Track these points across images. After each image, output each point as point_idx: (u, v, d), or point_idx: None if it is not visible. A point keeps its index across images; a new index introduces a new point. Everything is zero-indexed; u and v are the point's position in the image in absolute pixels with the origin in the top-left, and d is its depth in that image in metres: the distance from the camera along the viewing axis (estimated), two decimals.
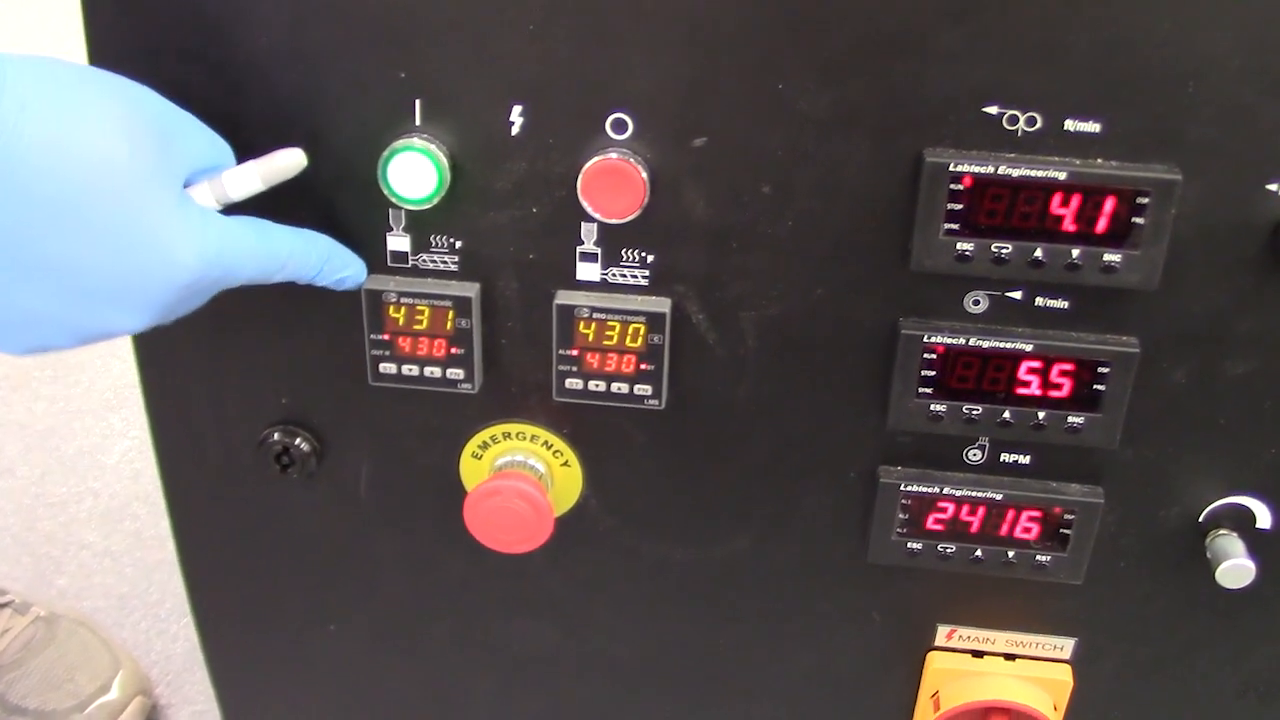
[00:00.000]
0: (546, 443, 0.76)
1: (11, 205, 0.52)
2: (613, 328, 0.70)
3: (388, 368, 0.72)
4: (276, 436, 0.77)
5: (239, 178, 0.63)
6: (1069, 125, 0.64)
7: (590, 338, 0.71)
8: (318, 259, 0.66)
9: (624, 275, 0.70)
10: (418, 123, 0.67)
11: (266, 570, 0.83)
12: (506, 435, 0.76)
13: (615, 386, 0.72)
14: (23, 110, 0.51)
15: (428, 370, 0.72)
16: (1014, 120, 0.64)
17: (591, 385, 0.72)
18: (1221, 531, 0.74)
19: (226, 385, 0.76)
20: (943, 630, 0.81)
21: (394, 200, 0.67)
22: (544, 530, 0.73)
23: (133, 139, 0.55)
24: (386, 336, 0.71)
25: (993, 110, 0.64)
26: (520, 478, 0.74)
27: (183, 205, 0.58)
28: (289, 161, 0.64)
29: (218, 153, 0.62)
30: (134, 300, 0.57)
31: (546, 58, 0.64)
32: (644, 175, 0.66)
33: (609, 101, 0.65)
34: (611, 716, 0.88)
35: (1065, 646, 0.81)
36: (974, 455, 0.74)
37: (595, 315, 0.70)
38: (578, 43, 0.63)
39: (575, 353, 0.71)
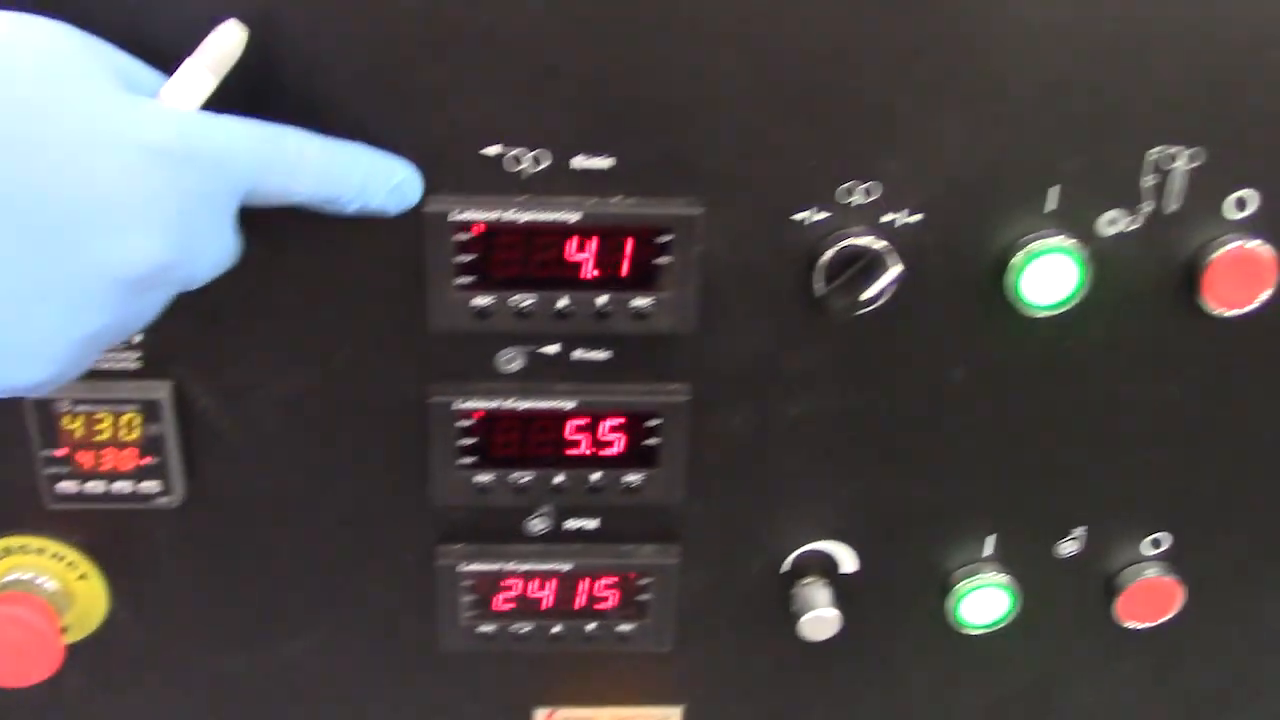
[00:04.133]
0: (57, 554, 0.66)
1: None
2: (103, 420, 0.61)
3: None
4: None
5: (184, 82, 0.50)
6: (578, 162, 0.58)
7: (78, 433, 0.61)
8: (351, 162, 0.54)
9: (112, 359, 0.61)
10: None
11: None
12: (8, 550, 0.66)
13: (117, 486, 0.63)
14: None
15: None
16: (518, 160, 0.58)
17: (89, 487, 0.63)
18: (806, 580, 0.69)
19: None
20: (540, 713, 0.75)
21: None
22: (49, 657, 0.63)
23: (48, 45, 0.46)
24: None
25: (494, 150, 0.58)
26: (17, 600, 0.63)
27: (133, 97, 0.47)
28: (231, 40, 0.51)
29: (146, 72, 0.51)
30: (120, 210, 0.45)
31: None
32: None
33: None
34: None
35: (673, 715, 0.75)
36: (537, 525, 0.68)
37: (80, 407, 0.61)
38: None
39: (64, 452, 0.62)
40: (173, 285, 0.50)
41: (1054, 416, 0.66)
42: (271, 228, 0.56)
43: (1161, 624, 0.72)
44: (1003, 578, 0.69)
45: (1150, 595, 0.71)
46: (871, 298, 0.59)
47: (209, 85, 0.51)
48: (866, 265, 0.59)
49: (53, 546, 0.66)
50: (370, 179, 0.55)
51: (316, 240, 0.59)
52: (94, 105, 0.45)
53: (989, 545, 0.70)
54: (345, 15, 0.54)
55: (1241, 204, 0.61)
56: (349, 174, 0.54)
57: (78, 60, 0.47)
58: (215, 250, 0.50)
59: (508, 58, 0.56)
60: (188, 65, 0.51)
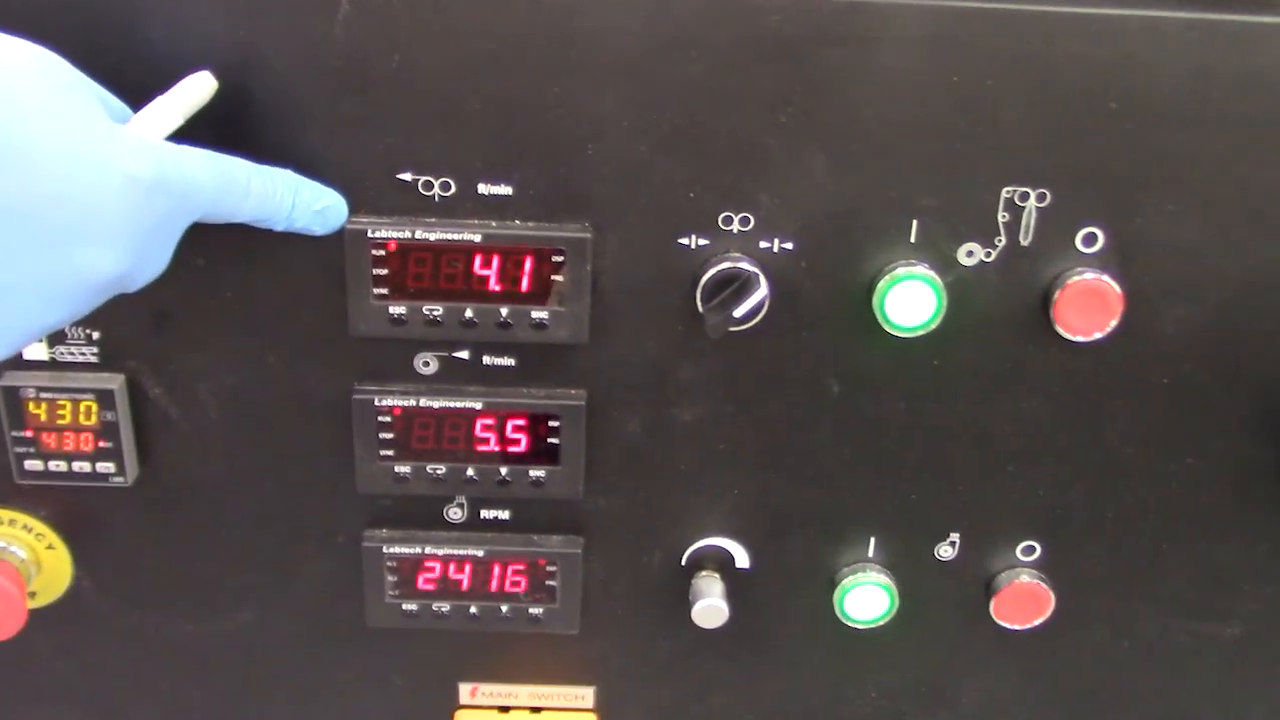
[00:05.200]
0: (26, 526, 0.74)
1: None
2: (64, 406, 0.69)
3: None
4: None
5: (155, 116, 0.58)
6: (482, 189, 0.65)
7: (43, 418, 0.69)
8: (285, 188, 0.62)
9: (73, 353, 0.69)
10: None
11: None
12: None
13: (77, 465, 0.71)
14: None
15: None
16: (429, 186, 0.65)
17: (53, 465, 0.71)
18: (704, 573, 0.76)
19: None
20: (465, 688, 0.81)
21: None
22: (15, 618, 0.71)
23: (46, 73, 0.52)
24: None
25: (407, 176, 0.65)
26: None
27: (117, 127, 0.54)
28: (202, 88, 0.60)
29: (118, 102, 0.59)
30: (100, 226, 0.52)
31: None
32: None
33: None
34: None
35: (586, 696, 0.82)
36: (454, 513, 0.75)
37: (43, 395, 0.69)
38: None
39: (30, 434, 0.70)
40: (117, 289, 0.57)
41: (925, 429, 0.72)
42: (215, 242, 0.64)
43: (1036, 626, 0.77)
44: (884, 577, 0.75)
45: (1023, 599, 0.76)
46: (742, 316, 0.66)
47: (175, 123, 0.59)
48: (740, 287, 0.66)
49: (23, 519, 0.74)
50: (299, 203, 0.63)
51: (254, 252, 0.67)
52: (87, 131, 0.52)
53: (871, 546, 0.76)
54: (279, 57, 0.62)
55: (1091, 239, 0.67)
56: (283, 199, 0.62)
57: (71, 86, 0.53)
58: (158, 263, 0.58)
59: (420, 96, 0.63)
60: (160, 103, 0.59)
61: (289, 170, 0.63)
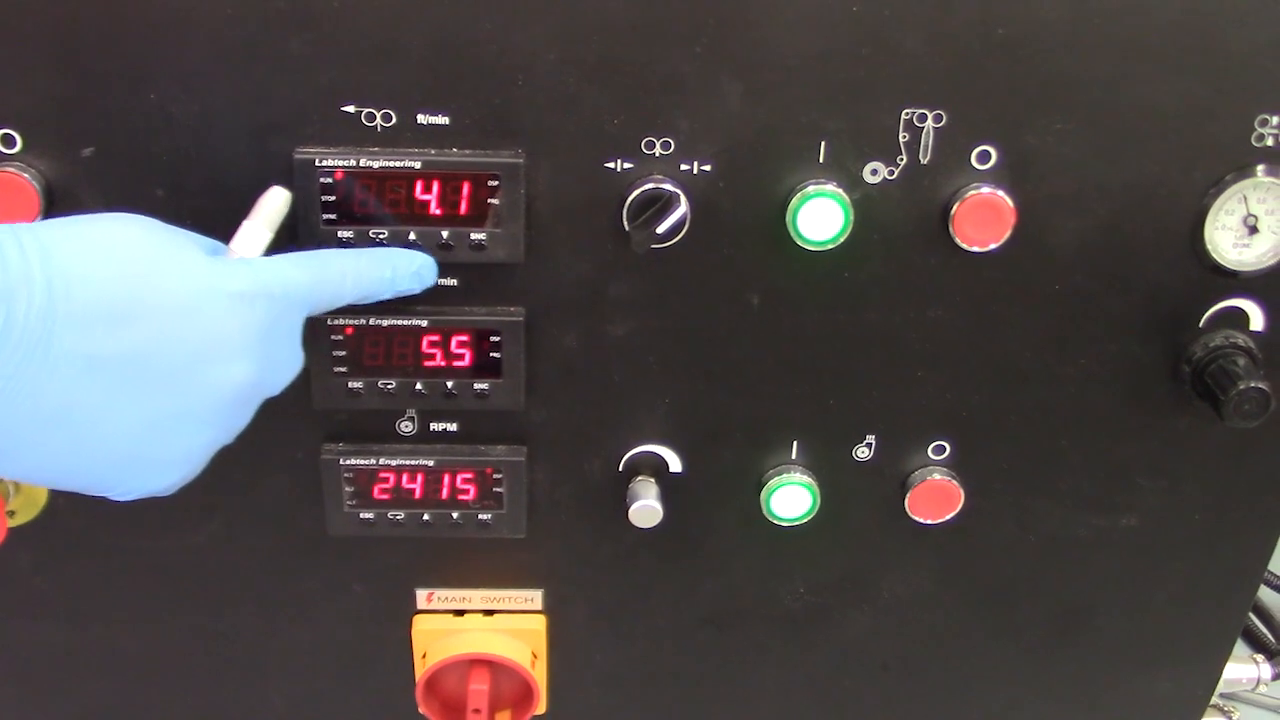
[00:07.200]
0: None
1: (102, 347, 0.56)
2: None
3: None
4: None
5: (248, 239, 0.67)
6: (421, 119, 0.70)
7: None
8: (380, 262, 0.69)
9: None
10: None
11: None
12: None
13: None
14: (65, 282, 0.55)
15: None
16: (371, 117, 0.70)
17: None
18: (640, 478, 0.82)
19: None
20: (422, 594, 0.87)
21: None
22: None
23: (144, 234, 0.60)
24: None
25: (350, 109, 0.70)
26: None
27: (211, 258, 0.62)
28: (278, 201, 0.68)
29: (207, 239, 0.66)
30: (223, 344, 0.60)
31: None
32: (38, 187, 0.70)
33: None
34: (129, 710, 0.91)
35: (535, 598, 0.88)
36: (406, 427, 0.80)
37: None
38: None
39: None
40: (260, 397, 0.65)
41: (839, 337, 0.78)
42: (173, 175, 0.69)
43: (947, 521, 0.84)
44: (806, 478, 0.82)
45: (935, 495, 0.83)
46: (665, 232, 0.71)
47: (267, 238, 0.67)
48: (662, 206, 0.71)
49: None
50: (396, 271, 0.70)
51: (209, 185, 0.71)
52: (187, 270, 0.59)
53: (794, 449, 0.82)
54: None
55: (985, 157, 0.72)
56: (381, 272, 0.69)
57: (163, 239, 0.60)
58: (289, 364, 0.66)
59: (360, 32, 0.68)
60: (248, 226, 0.67)
61: (381, 247, 0.70)
